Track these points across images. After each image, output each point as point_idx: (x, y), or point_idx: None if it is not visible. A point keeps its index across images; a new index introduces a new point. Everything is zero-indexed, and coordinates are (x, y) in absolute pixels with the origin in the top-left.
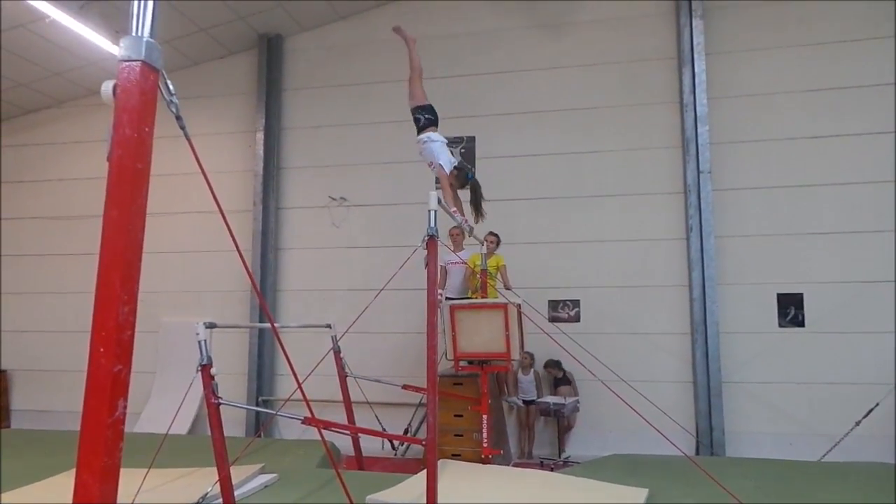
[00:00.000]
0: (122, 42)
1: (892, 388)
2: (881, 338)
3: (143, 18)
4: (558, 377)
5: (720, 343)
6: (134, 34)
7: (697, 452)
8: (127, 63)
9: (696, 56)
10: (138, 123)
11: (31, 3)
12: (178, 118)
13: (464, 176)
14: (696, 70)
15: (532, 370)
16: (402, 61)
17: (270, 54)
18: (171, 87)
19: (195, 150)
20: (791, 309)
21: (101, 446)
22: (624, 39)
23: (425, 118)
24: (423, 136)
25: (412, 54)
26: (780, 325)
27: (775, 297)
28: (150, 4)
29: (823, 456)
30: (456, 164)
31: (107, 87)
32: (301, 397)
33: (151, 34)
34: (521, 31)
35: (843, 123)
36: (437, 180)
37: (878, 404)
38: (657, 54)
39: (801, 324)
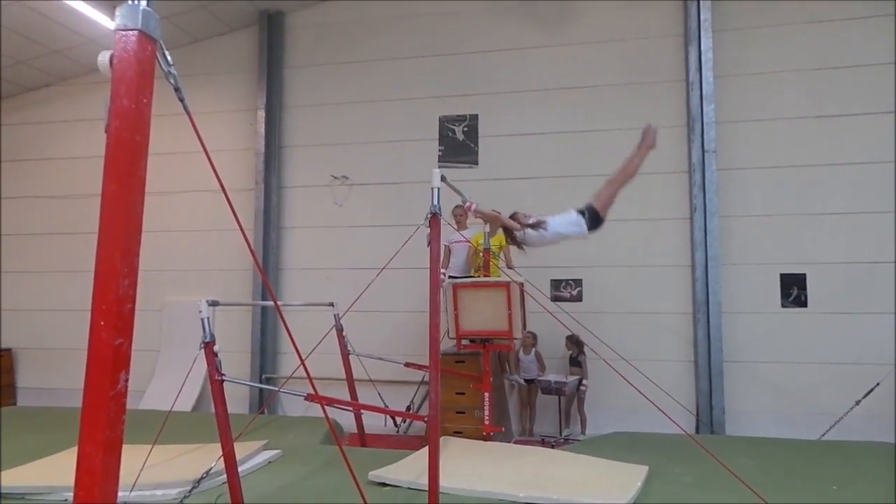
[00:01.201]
0: (118, 10)
1: (892, 368)
2: (883, 318)
3: None
4: (573, 355)
5: (722, 323)
6: (130, 2)
7: (697, 431)
8: (123, 32)
9: (702, 33)
10: (136, 94)
11: None
12: (177, 90)
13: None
14: (702, 48)
15: (534, 349)
16: (405, 39)
17: (271, 31)
18: (168, 57)
19: (194, 122)
20: (794, 289)
21: (104, 419)
22: (630, 17)
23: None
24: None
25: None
26: (783, 306)
27: (778, 277)
28: None
29: (823, 434)
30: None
31: (103, 57)
32: (304, 375)
33: (148, 3)
34: (526, 7)
35: (849, 103)
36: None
37: (878, 384)
38: (663, 31)
39: (804, 304)
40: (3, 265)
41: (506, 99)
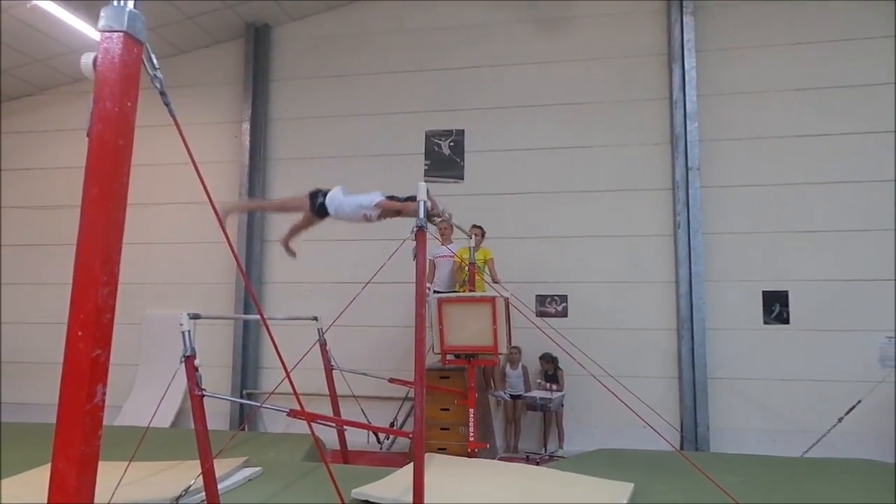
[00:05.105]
0: (102, 11)
1: (874, 386)
2: (864, 335)
3: None
4: (549, 372)
5: (706, 339)
6: (116, 3)
7: (682, 448)
8: (108, 34)
9: (686, 53)
10: (120, 97)
11: None
12: (163, 93)
13: (399, 199)
14: (685, 67)
15: (520, 364)
16: (392, 53)
17: (258, 44)
18: (155, 60)
19: (180, 127)
20: (776, 306)
21: (79, 434)
22: (615, 35)
23: (321, 196)
24: (329, 203)
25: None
26: (766, 322)
27: (760, 294)
28: None
29: (806, 452)
30: (383, 194)
31: (87, 58)
32: (286, 390)
33: (135, 5)
34: (513, 24)
35: (830, 123)
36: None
37: (860, 401)
38: (648, 51)
39: (786, 321)
40: None
41: (492, 115)
